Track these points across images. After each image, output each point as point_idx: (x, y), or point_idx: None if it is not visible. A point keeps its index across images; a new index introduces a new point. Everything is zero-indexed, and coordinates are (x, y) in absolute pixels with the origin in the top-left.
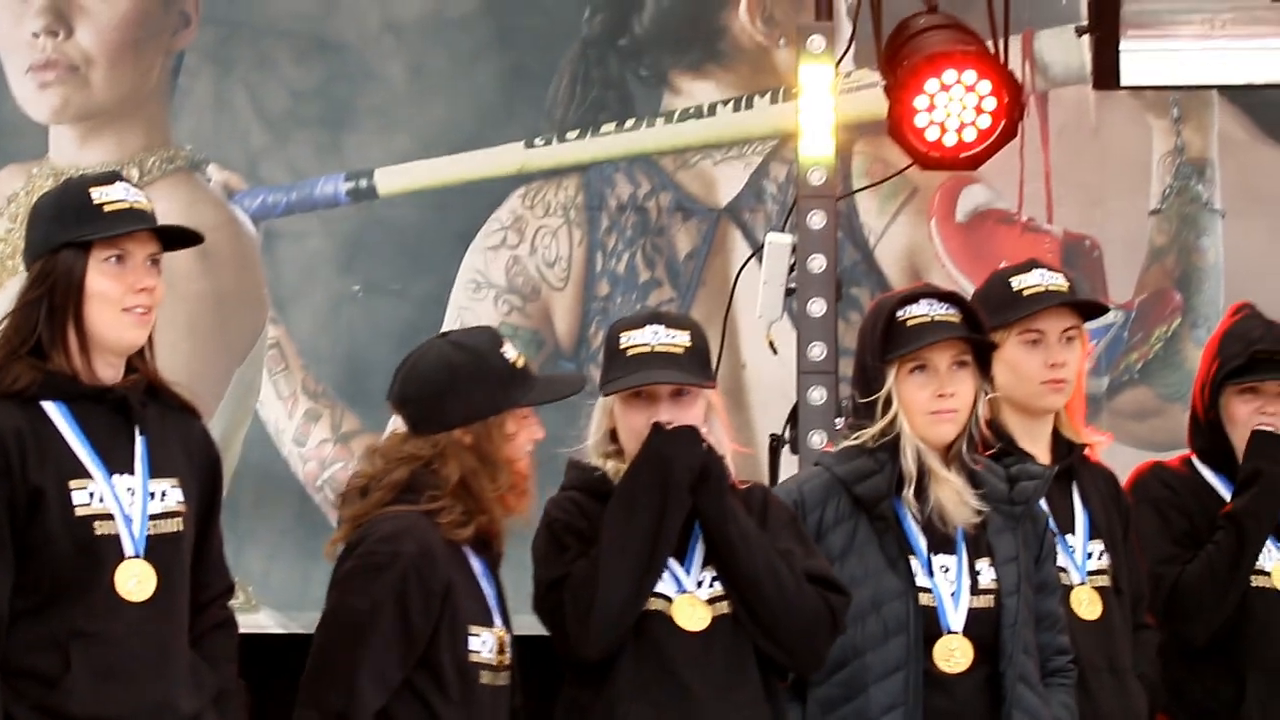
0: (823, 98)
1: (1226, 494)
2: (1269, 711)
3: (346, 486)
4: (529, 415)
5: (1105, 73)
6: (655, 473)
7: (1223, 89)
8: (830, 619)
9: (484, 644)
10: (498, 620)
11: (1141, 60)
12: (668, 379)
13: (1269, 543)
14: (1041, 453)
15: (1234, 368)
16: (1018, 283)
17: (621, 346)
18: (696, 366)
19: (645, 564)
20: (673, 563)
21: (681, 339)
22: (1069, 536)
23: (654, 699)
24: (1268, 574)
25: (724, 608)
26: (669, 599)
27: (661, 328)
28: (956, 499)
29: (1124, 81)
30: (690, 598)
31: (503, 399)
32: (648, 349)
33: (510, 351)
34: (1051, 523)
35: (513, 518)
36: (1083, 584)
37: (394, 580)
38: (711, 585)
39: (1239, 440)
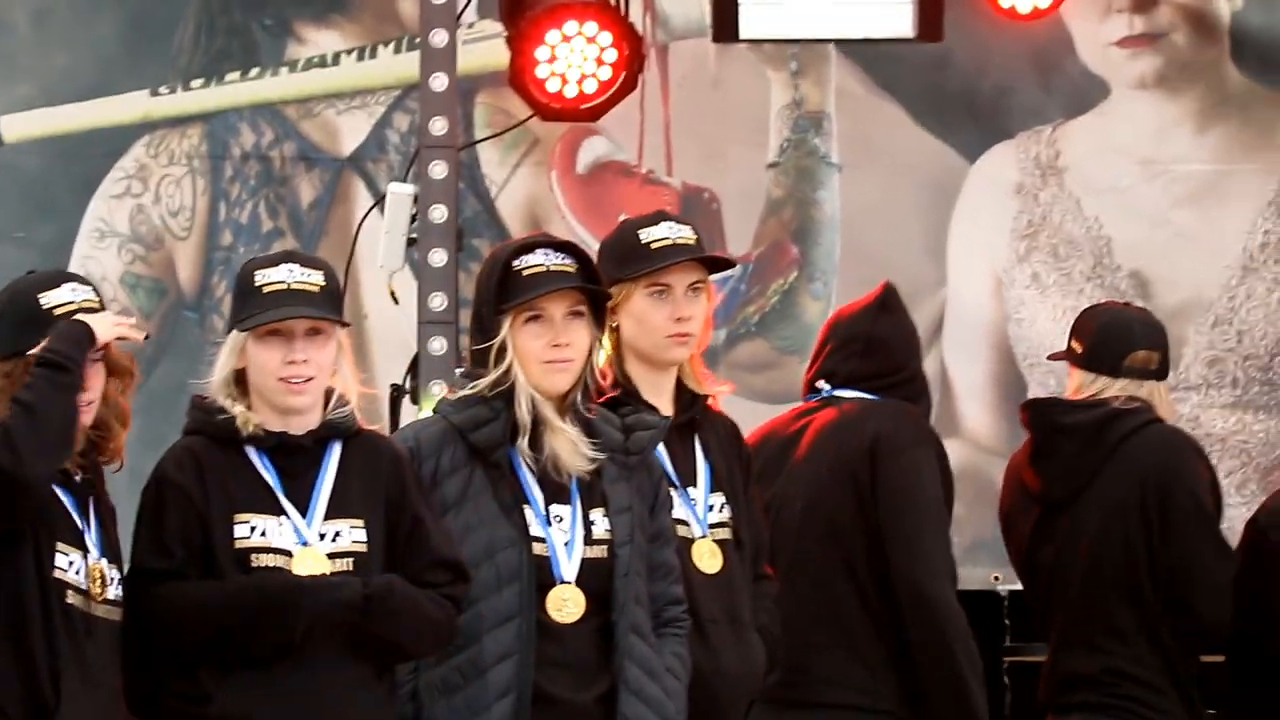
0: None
1: None
2: None
3: None
4: None
5: (724, 26)
6: None
7: (840, 43)
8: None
9: (71, 564)
10: (94, 549)
11: (760, 13)
12: (311, 314)
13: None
14: (665, 404)
15: None
16: (646, 235)
17: (257, 284)
18: (331, 305)
19: None
20: (293, 514)
21: (316, 278)
22: (690, 490)
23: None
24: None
25: (347, 564)
26: (289, 553)
27: (297, 266)
28: (571, 448)
29: (743, 34)
30: (310, 551)
31: (21, 341)
32: (284, 286)
33: (57, 297)
34: (672, 474)
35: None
36: (704, 537)
37: None
38: (335, 539)
39: None
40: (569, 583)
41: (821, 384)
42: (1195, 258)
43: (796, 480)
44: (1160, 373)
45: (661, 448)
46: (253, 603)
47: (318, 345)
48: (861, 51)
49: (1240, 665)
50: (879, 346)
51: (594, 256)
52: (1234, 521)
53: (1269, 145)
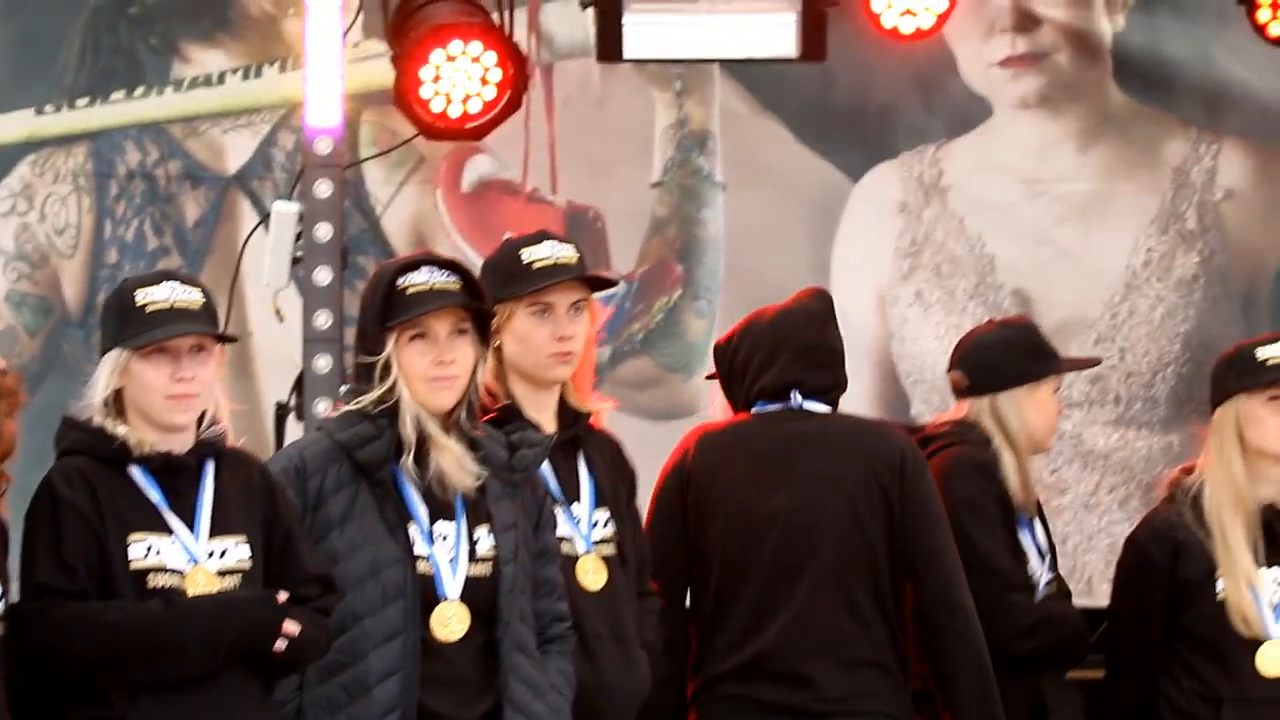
0: (330, 65)
1: None
2: None
3: None
4: None
5: (609, 46)
6: None
7: (724, 63)
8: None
9: None
10: None
11: (644, 34)
12: (204, 330)
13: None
14: (548, 421)
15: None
16: (528, 255)
17: (139, 304)
18: (213, 323)
19: None
20: (182, 532)
21: (197, 296)
22: (574, 506)
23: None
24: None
25: (235, 580)
26: (182, 573)
27: (177, 284)
28: (456, 465)
29: (627, 54)
30: (201, 569)
31: None
32: (169, 305)
33: None
34: (556, 491)
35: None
36: (588, 553)
37: None
38: (222, 556)
39: None
40: (453, 600)
41: (795, 395)
42: (1078, 276)
43: (814, 491)
44: (975, 389)
45: (545, 464)
46: (173, 624)
47: (201, 362)
48: (745, 71)
49: (1113, 684)
50: (834, 358)
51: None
52: (1116, 539)
53: (1151, 164)
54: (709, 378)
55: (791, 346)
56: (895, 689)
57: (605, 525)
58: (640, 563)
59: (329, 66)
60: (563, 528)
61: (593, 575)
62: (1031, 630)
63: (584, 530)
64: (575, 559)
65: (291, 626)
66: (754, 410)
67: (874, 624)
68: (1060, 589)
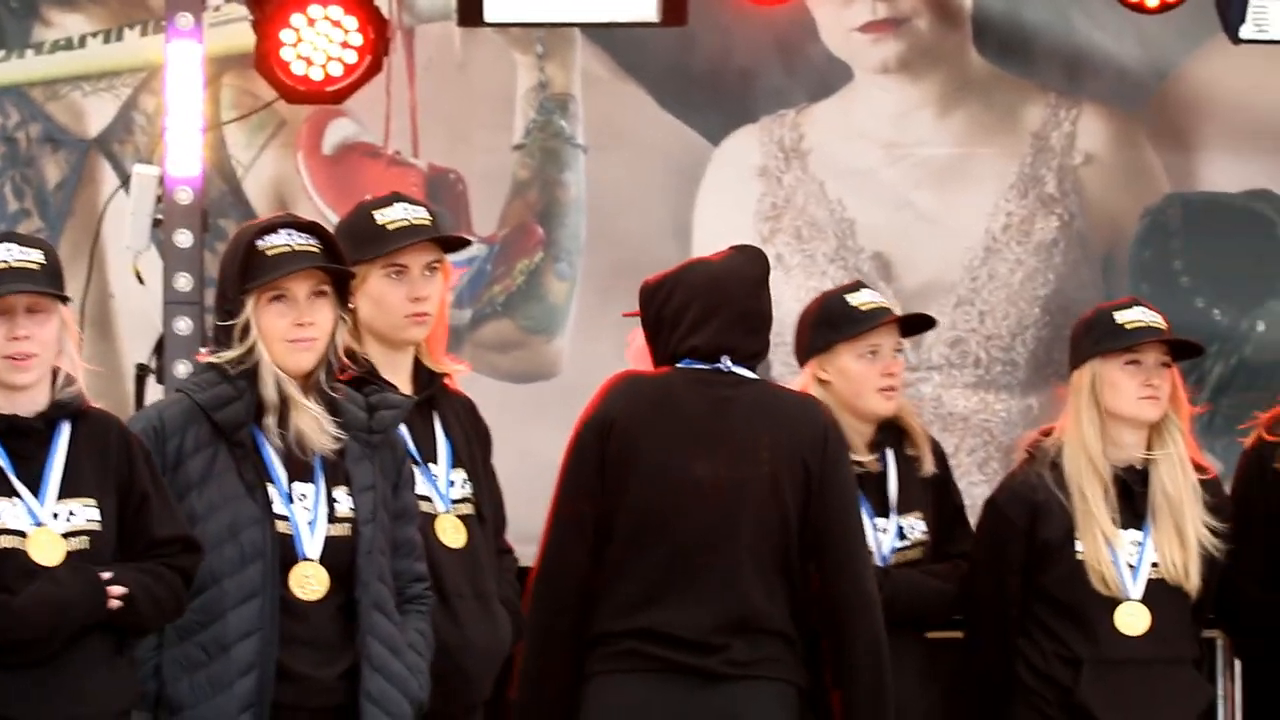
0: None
1: None
2: None
3: None
4: None
5: (470, 10)
6: None
7: (585, 26)
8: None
9: None
10: None
11: None
12: (31, 288)
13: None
14: (403, 383)
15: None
16: (381, 216)
17: None
18: (52, 283)
19: None
20: (26, 495)
21: (36, 256)
22: (432, 466)
23: None
24: None
25: (82, 542)
26: (24, 534)
27: (15, 245)
28: (316, 426)
29: (488, 18)
30: (45, 531)
31: None
32: (4, 265)
33: None
34: (413, 451)
35: None
36: (447, 512)
37: None
38: (70, 518)
39: None
40: (312, 560)
41: (725, 360)
42: (937, 240)
43: (739, 462)
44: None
45: (402, 425)
46: (10, 625)
47: (39, 322)
48: (606, 35)
49: (971, 647)
50: (765, 325)
51: None
52: (976, 500)
53: (1010, 129)
54: (628, 315)
55: (728, 310)
56: (796, 659)
57: (463, 485)
58: (498, 521)
59: (189, 29)
60: (421, 487)
61: (452, 534)
62: None
63: (442, 489)
64: (434, 518)
65: (117, 589)
66: (680, 366)
67: (780, 596)
68: (950, 552)
